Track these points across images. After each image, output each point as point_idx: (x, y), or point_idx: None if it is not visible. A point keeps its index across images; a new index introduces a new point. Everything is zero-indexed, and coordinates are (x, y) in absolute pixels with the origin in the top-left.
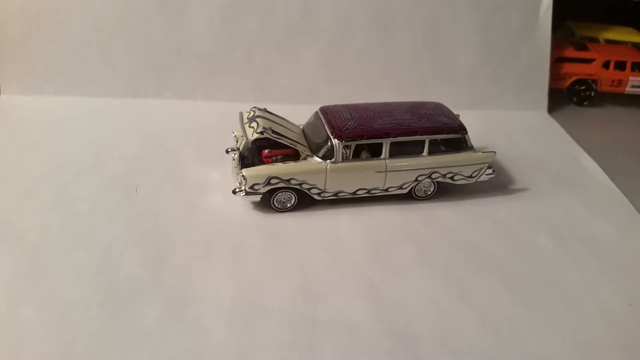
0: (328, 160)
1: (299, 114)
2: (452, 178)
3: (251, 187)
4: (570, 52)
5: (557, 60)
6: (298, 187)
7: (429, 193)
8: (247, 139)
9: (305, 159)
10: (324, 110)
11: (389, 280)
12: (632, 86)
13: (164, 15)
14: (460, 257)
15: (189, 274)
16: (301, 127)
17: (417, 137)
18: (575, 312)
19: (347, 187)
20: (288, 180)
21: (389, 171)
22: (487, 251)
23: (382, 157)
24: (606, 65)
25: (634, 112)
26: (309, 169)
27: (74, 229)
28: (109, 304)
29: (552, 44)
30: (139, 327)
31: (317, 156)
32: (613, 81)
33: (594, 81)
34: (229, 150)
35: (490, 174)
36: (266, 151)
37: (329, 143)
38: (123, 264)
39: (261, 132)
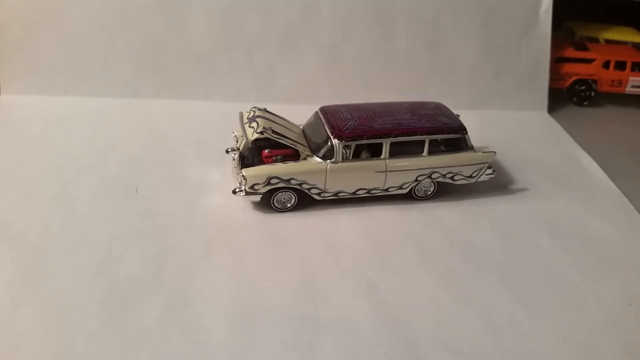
0: (328, 160)
1: (299, 114)
2: (452, 178)
3: (251, 187)
4: (570, 52)
5: (557, 60)
6: (298, 187)
7: (429, 193)
8: (247, 139)
9: (305, 159)
10: (324, 110)
11: (389, 280)
12: (632, 86)
13: (164, 15)
14: (460, 257)
15: (189, 274)
16: (301, 127)
17: (417, 137)
18: (575, 312)
19: (347, 187)
20: (288, 180)
21: (389, 171)
22: (487, 251)
23: (382, 157)
24: (606, 65)
25: (634, 112)
26: (309, 169)
27: (74, 229)
28: (109, 304)
29: (552, 44)
30: (139, 327)
31: (317, 156)
32: (613, 81)
33: (594, 81)
34: (229, 150)
35: (490, 174)
36: (266, 151)
37: (329, 143)
38: (123, 264)
39: (261, 132)
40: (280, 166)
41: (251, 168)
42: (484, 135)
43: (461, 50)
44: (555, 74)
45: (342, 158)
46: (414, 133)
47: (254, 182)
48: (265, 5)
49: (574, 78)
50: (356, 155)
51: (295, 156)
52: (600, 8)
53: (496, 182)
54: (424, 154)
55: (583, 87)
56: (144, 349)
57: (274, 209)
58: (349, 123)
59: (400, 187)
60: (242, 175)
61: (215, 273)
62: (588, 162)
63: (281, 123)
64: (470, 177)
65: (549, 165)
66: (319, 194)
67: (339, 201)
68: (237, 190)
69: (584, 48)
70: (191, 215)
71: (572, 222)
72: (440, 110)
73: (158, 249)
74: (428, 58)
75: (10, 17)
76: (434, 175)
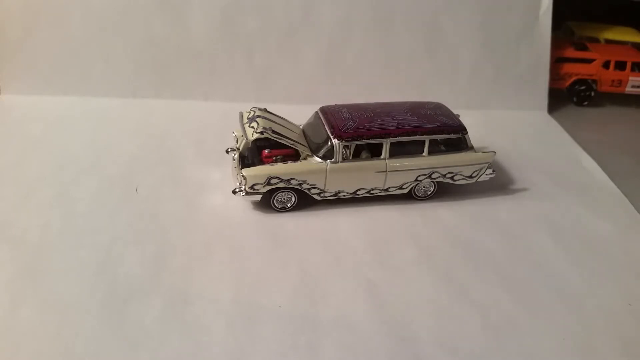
0: (328, 160)
1: (299, 114)
2: (452, 178)
3: (251, 187)
4: (570, 52)
5: (557, 60)
6: (298, 187)
7: (429, 193)
8: (247, 139)
9: (305, 159)
10: (324, 110)
11: (389, 280)
12: (632, 86)
13: (164, 15)
14: (460, 257)
15: (189, 274)
16: (301, 127)
17: (417, 137)
18: (575, 312)
19: (347, 187)
20: (288, 180)
21: (389, 171)
22: (487, 251)
23: (382, 157)
24: (606, 65)
25: (634, 112)
26: (309, 169)
27: (74, 229)
28: (109, 303)
29: (552, 44)
30: (139, 327)
31: (317, 156)
32: (613, 81)
33: (594, 81)
34: (229, 150)
35: (490, 174)
36: (266, 151)
37: (329, 143)
38: (123, 263)
39: (261, 132)
40: (280, 166)
41: (251, 168)
42: (484, 135)
43: (461, 51)
44: (555, 74)
45: (342, 158)
46: (414, 133)
47: (254, 182)
48: (265, 5)
49: (574, 78)
50: (356, 155)
51: (295, 156)
52: (600, 8)
53: (496, 182)
54: (424, 154)
55: (583, 87)
56: (144, 349)
57: (274, 209)
58: (349, 123)
59: (400, 187)
60: (242, 175)
61: (215, 273)
62: (588, 162)
63: (281, 123)
64: (470, 177)
65: (549, 165)
66: (319, 194)
67: (339, 201)
68: (237, 190)
69: (584, 48)
70: (191, 215)
71: (572, 222)
72: (440, 110)
73: (158, 249)
74: (428, 58)
75: (10, 17)
76: (434, 175)
